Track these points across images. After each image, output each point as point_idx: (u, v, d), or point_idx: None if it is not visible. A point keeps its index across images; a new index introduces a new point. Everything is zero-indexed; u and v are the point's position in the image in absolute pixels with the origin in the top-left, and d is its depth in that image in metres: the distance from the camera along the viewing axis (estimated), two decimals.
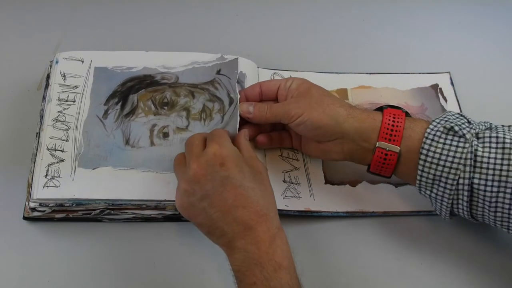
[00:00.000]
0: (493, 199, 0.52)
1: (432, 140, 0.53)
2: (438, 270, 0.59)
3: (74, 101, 0.64)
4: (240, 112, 0.61)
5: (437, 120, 0.55)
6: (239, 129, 0.61)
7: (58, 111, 0.63)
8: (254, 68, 0.71)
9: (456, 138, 0.53)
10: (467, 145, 0.52)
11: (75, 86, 0.66)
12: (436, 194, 0.55)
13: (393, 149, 0.55)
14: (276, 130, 0.65)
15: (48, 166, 0.59)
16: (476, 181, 0.52)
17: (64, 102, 0.64)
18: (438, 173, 0.53)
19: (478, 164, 0.52)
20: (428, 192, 0.55)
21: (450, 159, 0.52)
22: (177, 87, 0.67)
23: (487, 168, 0.51)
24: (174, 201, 0.56)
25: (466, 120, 0.55)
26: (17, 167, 0.63)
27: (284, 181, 0.64)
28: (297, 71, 0.74)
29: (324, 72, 0.75)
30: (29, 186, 0.58)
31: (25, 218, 0.59)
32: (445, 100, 0.74)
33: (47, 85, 0.66)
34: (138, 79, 0.67)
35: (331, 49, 0.80)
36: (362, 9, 0.86)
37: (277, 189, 0.60)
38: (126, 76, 0.67)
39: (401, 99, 0.73)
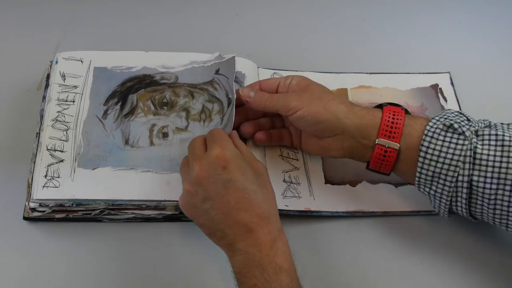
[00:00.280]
0: (492, 197, 0.52)
1: (432, 137, 0.53)
2: (438, 269, 0.59)
3: (73, 101, 0.64)
4: (241, 95, 0.61)
5: (437, 118, 0.55)
6: (239, 126, 0.61)
7: (58, 111, 0.63)
8: (254, 68, 0.71)
9: (455, 136, 0.53)
10: (466, 142, 0.52)
11: (74, 86, 0.66)
12: (435, 191, 0.54)
13: (392, 146, 0.55)
14: (276, 128, 0.64)
15: (48, 166, 0.59)
16: (475, 178, 0.52)
17: (64, 102, 0.64)
18: (437, 170, 0.53)
19: (477, 162, 0.52)
20: (427, 189, 0.55)
21: (449, 156, 0.52)
22: (176, 87, 0.67)
23: (486, 166, 0.51)
24: (174, 201, 0.56)
25: (465, 118, 0.55)
26: (17, 167, 0.63)
27: (284, 181, 0.64)
28: (297, 71, 0.74)
29: (324, 72, 0.75)
30: (29, 186, 0.58)
31: (25, 218, 0.59)
32: (445, 100, 0.74)
33: (47, 85, 0.66)
34: (138, 79, 0.67)
35: (331, 49, 0.80)
36: (362, 9, 0.86)
37: (277, 189, 0.60)
38: (125, 76, 0.67)
39: (401, 99, 0.73)
